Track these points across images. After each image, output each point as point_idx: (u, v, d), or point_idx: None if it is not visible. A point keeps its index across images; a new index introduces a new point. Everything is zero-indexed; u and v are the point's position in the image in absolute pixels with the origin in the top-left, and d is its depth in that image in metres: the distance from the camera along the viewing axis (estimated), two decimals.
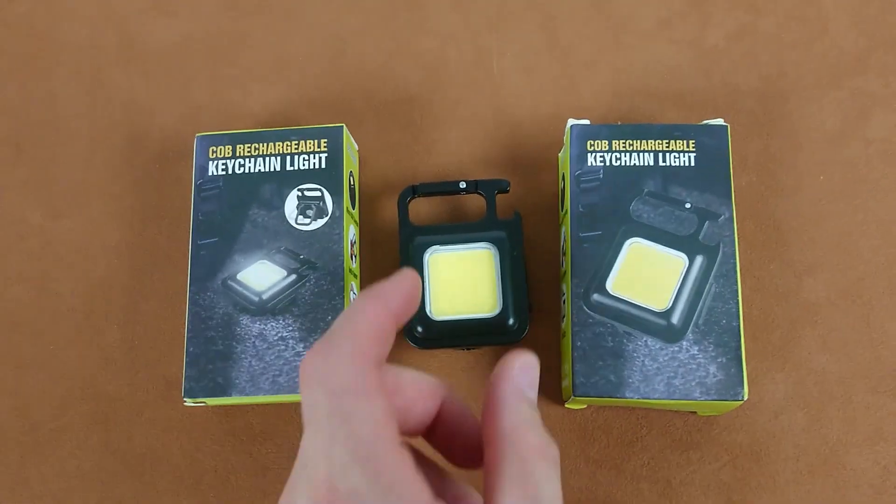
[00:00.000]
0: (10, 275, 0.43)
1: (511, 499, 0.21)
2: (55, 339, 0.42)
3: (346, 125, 0.43)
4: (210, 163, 0.40)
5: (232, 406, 0.40)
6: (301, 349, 0.38)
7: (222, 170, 0.40)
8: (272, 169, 0.40)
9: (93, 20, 0.46)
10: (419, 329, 0.35)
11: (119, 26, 0.46)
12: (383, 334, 0.22)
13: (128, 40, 0.45)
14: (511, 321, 0.35)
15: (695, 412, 0.39)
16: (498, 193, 0.37)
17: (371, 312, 0.22)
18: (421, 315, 0.35)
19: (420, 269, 0.35)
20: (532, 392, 0.23)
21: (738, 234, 0.41)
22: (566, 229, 0.39)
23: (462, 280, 0.36)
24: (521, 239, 0.36)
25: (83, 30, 0.46)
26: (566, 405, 0.39)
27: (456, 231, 0.36)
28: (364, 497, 0.20)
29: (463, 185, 0.37)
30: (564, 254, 0.39)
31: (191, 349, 0.38)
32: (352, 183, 0.41)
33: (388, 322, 0.22)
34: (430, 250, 0.36)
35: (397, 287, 0.23)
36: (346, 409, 0.20)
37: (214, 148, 0.40)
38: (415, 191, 0.37)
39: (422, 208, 0.41)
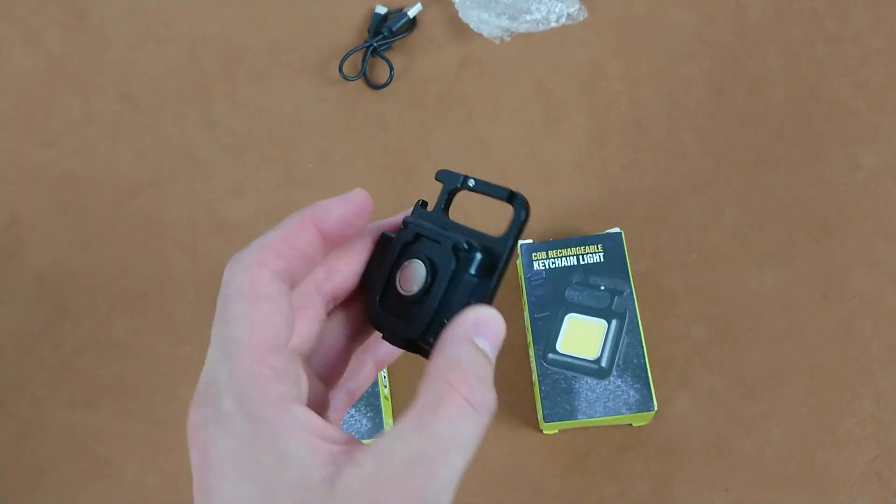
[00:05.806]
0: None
1: (400, 429, 0.20)
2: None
3: None
4: None
5: None
6: None
7: None
8: None
9: (188, 205, 0.66)
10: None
11: (206, 208, 0.66)
12: (299, 248, 0.24)
13: (214, 217, 0.66)
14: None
15: (630, 424, 0.58)
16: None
17: (291, 227, 0.24)
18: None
19: None
20: (485, 341, 0.22)
21: (639, 302, 0.60)
22: (526, 313, 0.59)
23: None
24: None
25: (182, 212, 0.66)
26: (543, 432, 0.58)
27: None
28: (219, 387, 0.22)
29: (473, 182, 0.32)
30: (526, 329, 0.59)
31: None
32: None
33: (309, 237, 0.24)
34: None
35: (337, 204, 0.25)
36: (227, 312, 0.23)
37: None
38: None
39: None
